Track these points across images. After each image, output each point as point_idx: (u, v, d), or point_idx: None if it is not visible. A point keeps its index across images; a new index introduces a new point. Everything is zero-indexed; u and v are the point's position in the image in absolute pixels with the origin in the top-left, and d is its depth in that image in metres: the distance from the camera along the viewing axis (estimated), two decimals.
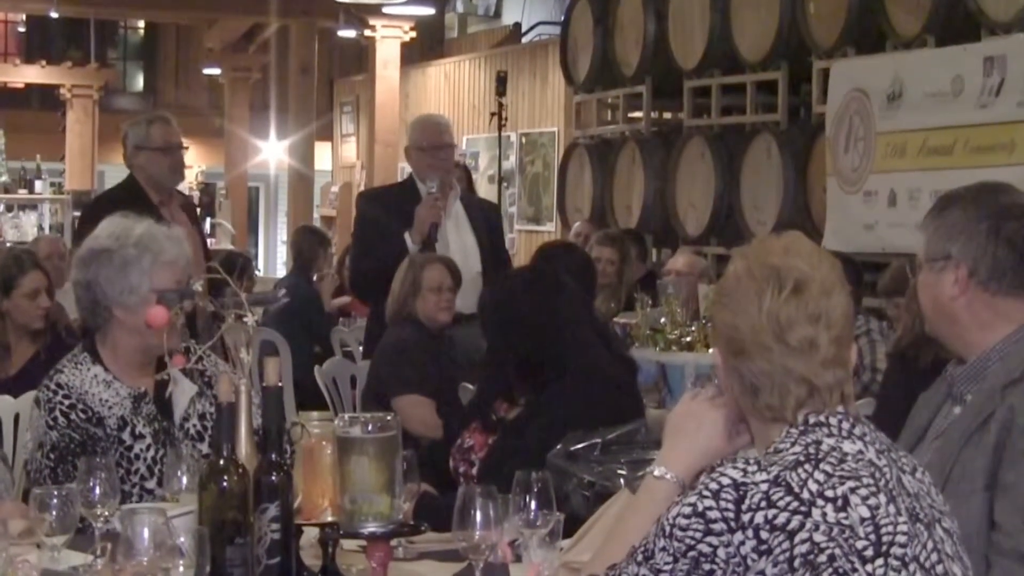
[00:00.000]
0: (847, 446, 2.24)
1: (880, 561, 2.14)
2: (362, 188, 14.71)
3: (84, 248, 3.70)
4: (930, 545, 2.22)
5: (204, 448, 3.62)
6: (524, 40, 17.03)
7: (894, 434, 2.39)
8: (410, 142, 6.65)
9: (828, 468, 2.18)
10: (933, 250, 2.90)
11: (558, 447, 3.54)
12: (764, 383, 2.27)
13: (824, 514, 2.14)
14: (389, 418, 2.89)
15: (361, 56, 17.56)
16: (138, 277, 3.59)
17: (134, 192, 6.17)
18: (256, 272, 16.36)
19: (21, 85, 19.30)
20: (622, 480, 3.37)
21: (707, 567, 2.16)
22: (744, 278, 2.30)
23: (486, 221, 6.75)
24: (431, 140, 6.56)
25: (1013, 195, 2.94)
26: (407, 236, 6.37)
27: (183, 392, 3.71)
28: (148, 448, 3.62)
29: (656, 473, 2.45)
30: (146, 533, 2.49)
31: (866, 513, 2.15)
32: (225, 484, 2.65)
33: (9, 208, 15.01)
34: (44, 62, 18.54)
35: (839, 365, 2.28)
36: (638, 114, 10.76)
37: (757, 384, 2.28)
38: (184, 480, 3.18)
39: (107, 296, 3.63)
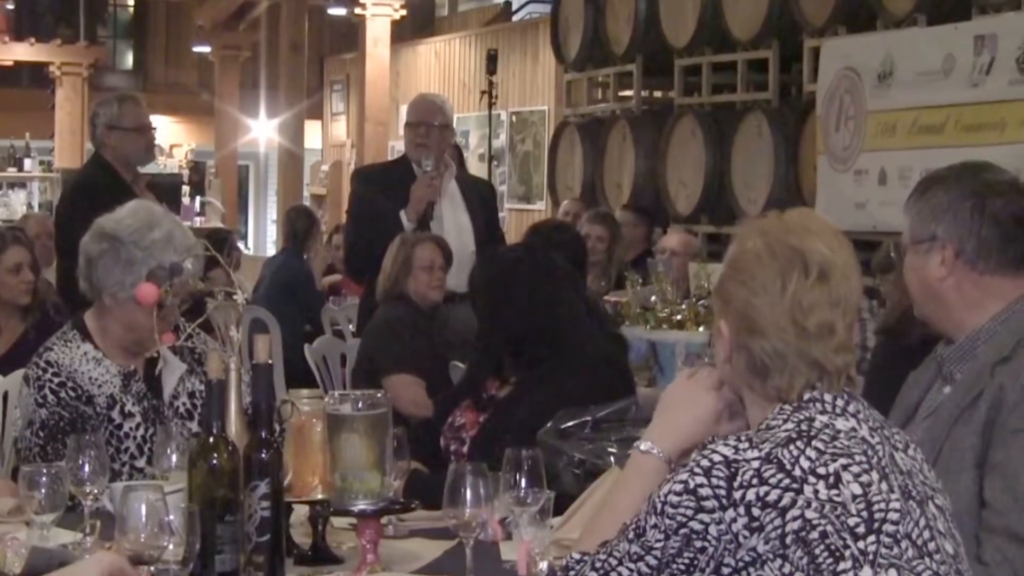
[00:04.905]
0: (840, 423, 2.24)
1: (872, 538, 2.14)
2: (352, 167, 14.66)
3: (103, 223, 3.67)
4: (922, 522, 2.21)
5: (194, 426, 3.61)
6: (515, 18, 17.00)
7: (881, 409, 2.38)
8: (405, 119, 6.69)
9: (820, 445, 2.18)
10: (918, 232, 2.88)
11: (549, 425, 3.54)
12: (776, 364, 2.26)
13: (816, 491, 2.13)
14: (379, 395, 2.88)
15: (351, 34, 17.48)
16: (133, 278, 3.57)
17: (107, 172, 6.14)
18: (246, 251, 16.34)
19: (10, 63, 19.16)
20: (612, 458, 3.38)
21: (699, 544, 2.16)
22: (765, 257, 2.28)
23: (481, 200, 6.74)
24: (416, 116, 6.57)
25: (996, 173, 2.93)
26: (403, 215, 6.36)
27: (173, 370, 3.71)
28: (138, 426, 3.62)
29: (642, 447, 2.44)
30: (143, 510, 2.48)
31: (858, 490, 2.15)
32: (215, 462, 2.65)
33: None
34: (33, 40, 18.43)
35: (849, 350, 2.28)
36: (629, 92, 10.73)
37: (768, 364, 2.27)
38: (174, 458, 3.16)
39: (100, 281, 3.63)
